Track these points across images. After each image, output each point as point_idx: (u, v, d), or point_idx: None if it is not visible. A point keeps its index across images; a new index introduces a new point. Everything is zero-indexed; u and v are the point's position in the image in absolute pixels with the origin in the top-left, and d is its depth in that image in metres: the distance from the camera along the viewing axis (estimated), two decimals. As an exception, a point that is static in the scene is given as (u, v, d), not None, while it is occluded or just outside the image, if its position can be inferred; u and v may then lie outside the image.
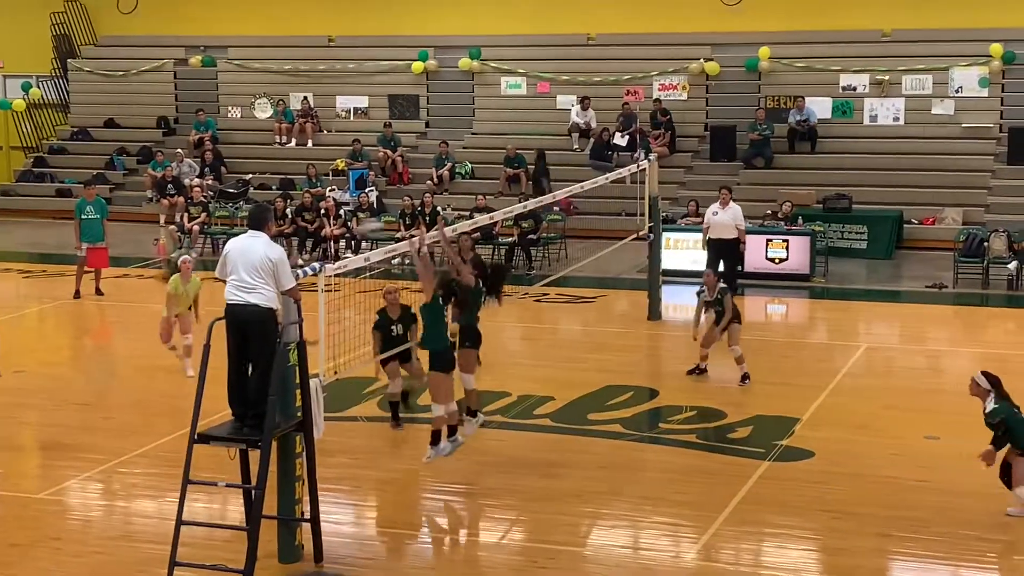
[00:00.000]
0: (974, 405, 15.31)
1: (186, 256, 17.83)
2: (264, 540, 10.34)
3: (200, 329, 14.77)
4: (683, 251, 23.36)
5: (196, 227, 27.54)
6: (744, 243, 22.08)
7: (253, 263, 10.25)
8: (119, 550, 11.25)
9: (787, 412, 14.92)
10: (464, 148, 31.02)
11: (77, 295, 22.18)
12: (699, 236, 22.33)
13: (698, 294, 16.80)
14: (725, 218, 21.63)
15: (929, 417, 14.91)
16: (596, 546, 11.39)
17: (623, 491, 12.64)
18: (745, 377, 16.20)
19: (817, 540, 11.39)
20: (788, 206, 24.83)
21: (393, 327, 14.28)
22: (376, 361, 14.10)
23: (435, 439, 12.63)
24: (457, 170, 29.94)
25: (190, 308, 16.72)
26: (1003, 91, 28.60)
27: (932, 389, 16.37)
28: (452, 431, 12.71)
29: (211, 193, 29.48)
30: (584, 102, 30.08)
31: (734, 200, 22.13)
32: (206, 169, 31.07)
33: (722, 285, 16.73)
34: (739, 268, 22.30)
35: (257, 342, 10.27)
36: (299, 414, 10.47)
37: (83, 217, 22.39)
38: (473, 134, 31.67)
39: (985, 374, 11.92)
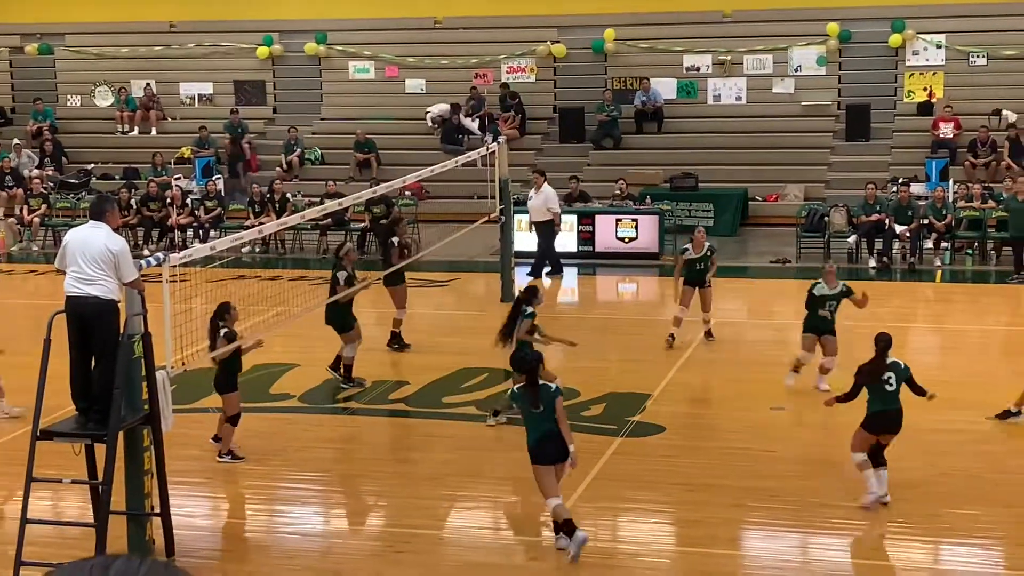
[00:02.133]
0: (816, 377, 15.79)
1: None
2: (115, 536, 10.11)
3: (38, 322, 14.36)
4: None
5: (36, 219, 26.77)
6: (558, 225, 22.29)
7: (93, 255, 9.98)
8: (-38, 553, 10.87)
9: (638, 388, 15.14)
10: (313, 134, 30.69)
11: None
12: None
13: (681, 252, 17.27)
14: (537, 202, 21.88)
15: (775, 389, 15.25)
16: (454, 528, 11.41)
17: (479, 472, 12.67)
18: (708, 333, 17.25)
19: (672, 513, 11.59)
20: (624, 184, 25.18)
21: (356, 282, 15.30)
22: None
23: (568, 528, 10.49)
24: (307, 156, 29.61)
25: None
26: (840, 69, 29.40)
27: (778, 362, 16.72)
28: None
29: (51, 184, 28.66)
30: (455, 107, 29.47)
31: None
32: (46, 160, 30.18)
33: (709, 243, 17.29)
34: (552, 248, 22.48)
35: (99, 335, 10.02)
36: (146, 407, 10.25)
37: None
38: (322, 119, 31.36)
39: (878, 336, 11.66)
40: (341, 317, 15.38)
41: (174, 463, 11.09)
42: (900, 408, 11.39)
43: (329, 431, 14.12)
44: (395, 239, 17.20)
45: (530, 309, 13.80)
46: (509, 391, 10.90)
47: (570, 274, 23.66)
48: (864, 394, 11.53)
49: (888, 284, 22.28)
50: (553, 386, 10.52)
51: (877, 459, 11.37)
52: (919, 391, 11.55)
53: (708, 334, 17.46)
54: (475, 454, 13.27)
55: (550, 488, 10.28)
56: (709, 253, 17.22)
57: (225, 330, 12.58)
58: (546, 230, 22.01)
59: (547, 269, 22.43)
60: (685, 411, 14.38)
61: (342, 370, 15.49)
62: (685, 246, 17.47)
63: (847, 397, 11.66)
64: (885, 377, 11.39)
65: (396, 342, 17.19)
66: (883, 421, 11.35)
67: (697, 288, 17.17)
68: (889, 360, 11.44)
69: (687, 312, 17.14)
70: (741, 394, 15.05)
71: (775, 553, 10.70)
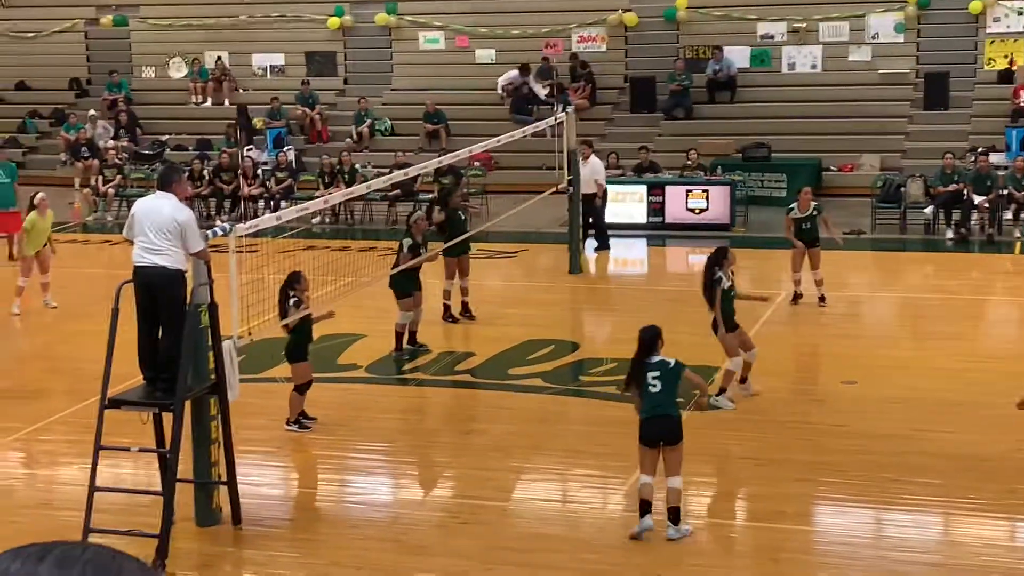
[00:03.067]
0: (893, 350, 15.56)
1: (42, 193, 18.49)
2: (182, 504, 10.21)
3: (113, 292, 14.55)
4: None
5: (111, 190, 27.06)
6: (601, 197, 21.98)
7: (160, 224, 10.04)
8: (36, 518, 11.06)
9: (707, 361, 14.94)
10: (383, 105, 30.70)
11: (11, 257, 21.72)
12: (620, 188, 22.36)
13: (788, 211, 17.41)
14: (585, 172, 21.56)
15: (847, 362, 15.04)
16: (520, 500, 11.38)
17: (545, 445, 12.63)
18: (822, 299, 17.21)
19: (739, 486, 11.47)
20: (694, 154, 24.90)
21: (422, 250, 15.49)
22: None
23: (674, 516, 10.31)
24: (376, 127, 29.65)
25: (46, 245, 17.91)
26: (919, 36, 28.80)
27: (850, 335, 16.52)
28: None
29: (126, 155, 28.95)
30: (524, 69, 29.52)
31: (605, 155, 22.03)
32: (121, 131, 30.49)
33: (815, 202, 17.43)
34: (601, 220, 22.21)
35: (166, 304, 10.10)
36: (212, 377, 10.31)
37: (-7, 182, 21.82)
38: (392, 90, 31.35)
39: None
40: (401, 284, 15.44)
41: (241, 432, 11.17)
42: None
43: (396, 401, 14.14)
44: (437, 214, 17.04)
45: (719, 274, 13.18)
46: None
47: (640, 245, 23.50)
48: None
49: (966, 256, 21.86)
50: (672, 361, 10.23)
51: None
52: None
53: (821, 299, 17.34)
54: (540, 426, 13.22)
55: (643, 465, 10.18)
56: (815, 212, 17.34)
57: (295, 299, 12.62)
58: (589, 202, 21.76)
59: (592, 243, 22.14)
60: (755, 384, 14.19)
61: (405, 339, 15.54)
62: (791, 205, 17.50)
63: None
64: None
65: (466, 311, 17.18)
66: None
67: (807, 248, 17.19)
68: None
69: (797, 275, 17.35)
70: (812, 367, 14.85)
71: (844, 528, 10.55)
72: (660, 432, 10.13)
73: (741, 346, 13.55)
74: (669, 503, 10.17)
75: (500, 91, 29.67)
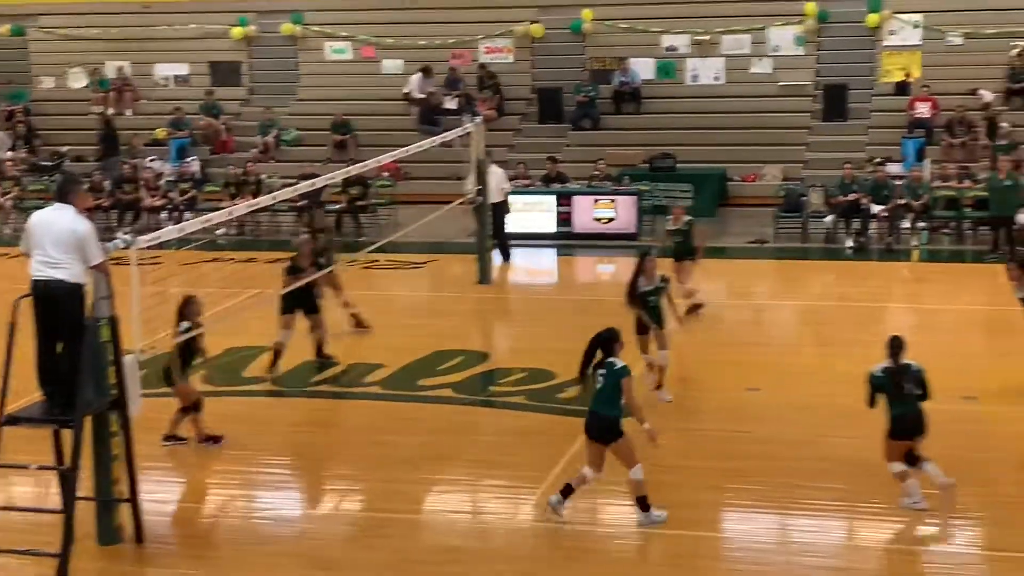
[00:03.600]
0: (795, 357, 15.79)
1: None
2: (83, 522, 10.01)
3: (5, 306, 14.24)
4: (511, 214, 23.38)
5: (9, 202, 26.52)
6: (508, 208, 22.15)
7: (57, 237, 9.83)
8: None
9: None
10: (290, 115, 30.47)
11: None
12: (527, 199, 22.50)
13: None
14: (491, 182, 21.59)
15: (752, 370, 15.22)
16: (430, 512, 11.33)
17: (456, 455, 12.60)
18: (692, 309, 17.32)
19: (649, 495, 11.50)
20: (602, 165, 25.09)
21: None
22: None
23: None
24: (283, 137, 29.41)
25: None
26: (818, 49, 29.32)
27: (755, 342, 16.73)
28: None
29: (24, 167, 28.39)
30: (427, 71, 29.57)
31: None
32: (18, 142, 29.90)
33: (687, 217, 17.80)
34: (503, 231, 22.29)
35: (65, 318, 9.88)
36: (114, 392, 10.12)
37: None
38: (299, 100, 31.14)
39: (892, 339, 10.97)
40: (283, 303, 15.18)
41: (143, 448, 10.97)
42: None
43: (303, 415, 14.01)
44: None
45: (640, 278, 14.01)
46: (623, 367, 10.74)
47: (548, 255, 23.58)
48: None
49: (865, 264, 22.26)
50: (620, 364, 10.67)
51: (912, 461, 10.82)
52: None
53: (691, 309, 17.40)
54: (450, 437, 13.18)
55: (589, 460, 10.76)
56: (686, 227, 17.49)
57: (186, 324, 12.48)
58: (499, 209, 21.80)
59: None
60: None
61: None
62: (668, 217, 18.00)
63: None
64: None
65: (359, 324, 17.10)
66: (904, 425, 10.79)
67: (676, 262, 17.43)
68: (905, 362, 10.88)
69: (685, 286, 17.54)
70: (716, 375, 14.99)
71: (751, 534, 10.66)
72: (590, 427, 10.74)
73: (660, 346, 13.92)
74: (632, 494, 10.69)
75: (408, 98, 29.59)
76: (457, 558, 10.25)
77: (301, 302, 15.29)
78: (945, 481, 10.90)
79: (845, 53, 29.05)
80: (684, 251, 17.65)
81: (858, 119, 27.85)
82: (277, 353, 15.21)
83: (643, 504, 10.74)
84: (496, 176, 21.59)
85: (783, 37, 29.10)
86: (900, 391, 10.86)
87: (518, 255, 22.24)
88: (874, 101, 28.22)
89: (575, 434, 12.79)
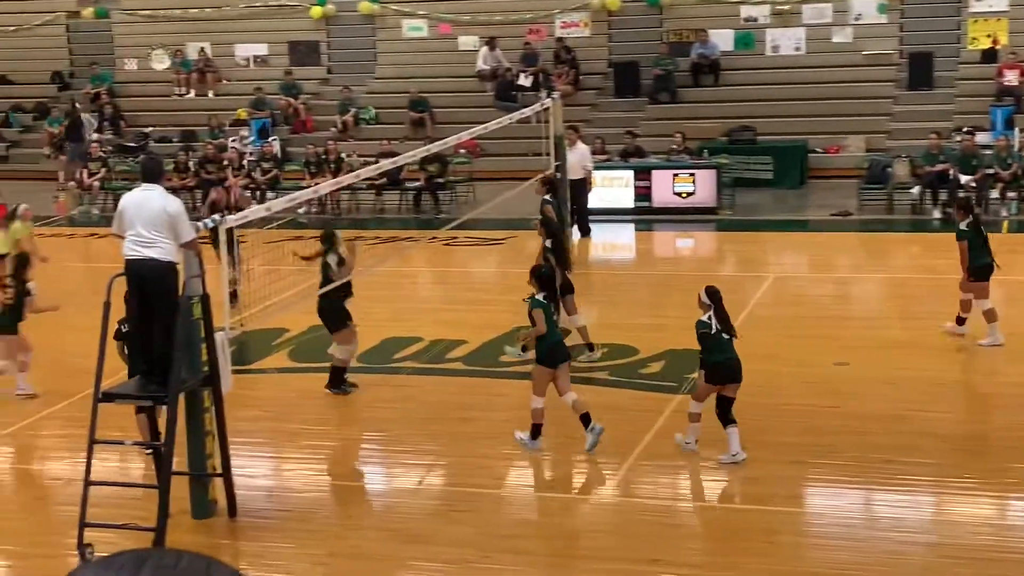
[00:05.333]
0: (881, 331, 15.61)
1: (25, 206, 18.46)
2: (177, 497, 10.19)
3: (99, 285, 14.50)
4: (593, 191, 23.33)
5: (96, 183, 26.95)
6: (591, 184, 22.01)
7: (150, 217, 10.00)
8: (31, 514, 11.04)
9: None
10: (368, 93, 30.63)
11: None
12: (606, 173, 22.39)
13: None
14: (572, 159, 21.52)
15: (838, 344, 15.07)
16: (514, 487, 11.39)
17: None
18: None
19: (732, 470, 11.47)
20: (681, 138, 24.90)
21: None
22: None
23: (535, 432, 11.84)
24: (361, 116, 29.58)
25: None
26: (902, 16, 28.83)
27: (840, 316, 16.56)
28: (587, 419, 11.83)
29: (110, 148, 28.84)
30: (491, 43, 29.78)
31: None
32: (104, 124, 30.37)
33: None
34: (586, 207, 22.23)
35: (158, 297, 10.05)
36: (206, 369, 10.28)
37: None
38: (376, 79, 31.28)
39: (707, 290, 11.69)
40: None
41: (234, 424, 11.14)
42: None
43: (387, 391, 14.12)
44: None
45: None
46: (530, 298, 11.98)
47: (627, 230, 23.49)
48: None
49: (952, 236, 21.83)
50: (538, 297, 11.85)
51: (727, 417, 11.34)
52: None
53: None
54: (534, 412, 13.19)
55: (564, 382, 11.84)
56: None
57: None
58: (580, 188, 21.76)
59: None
60: (745, 367, 14.09)
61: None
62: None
63: None
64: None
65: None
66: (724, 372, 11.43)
67: None
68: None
69: None
70: (803, 349, 14.86)
71: (838, 510, 10.58)
72: (567, 352, 12.15)
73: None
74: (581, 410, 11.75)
75: (478, 74, 29.64)
76: (541, 532, 10.29)
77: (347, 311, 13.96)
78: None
79: (930, 21, 28.55)
80: None
81: (944, 87, 27.37)
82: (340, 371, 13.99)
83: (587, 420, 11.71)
84: (578, 153, 21.54)
85: (866, 5, 28.65)
86: None
87: (596, 231, 22.17)
88: (960, 69, 27.72)
89: (659, 409, 12.84)
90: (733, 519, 10.65)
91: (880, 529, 10.18)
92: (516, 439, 11.90)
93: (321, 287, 13.30)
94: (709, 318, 11.52)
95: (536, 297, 11.87)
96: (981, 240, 14.93)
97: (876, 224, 22.66)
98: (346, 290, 13.55)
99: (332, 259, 13.42)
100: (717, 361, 11.47)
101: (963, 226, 14.93)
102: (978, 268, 14.79)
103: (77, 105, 30.39)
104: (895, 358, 14.39)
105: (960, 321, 14.93)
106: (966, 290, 14.88)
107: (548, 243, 14.73)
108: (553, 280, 12.39)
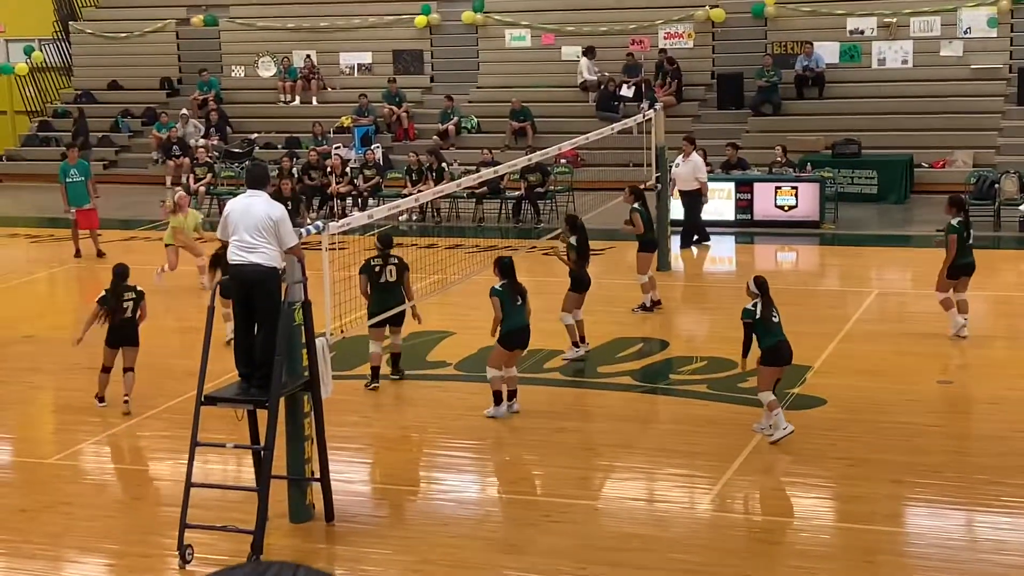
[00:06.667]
0: (986, 349, 15.30)
1: (180, 191, 19.93)
2: (275, 500, 10.32)
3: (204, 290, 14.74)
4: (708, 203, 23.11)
5: (202, 188, 27.42)
6: (705, 195, 21.89)
7: (254, 223, 10.15)
8: (130, 513, 11.25)
9: (799, 360, 14.72)
10: (469, 102, 30.79)
11: (77, 254, 22.37)
12: (709, 185, 22.27)
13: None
14: (686, 170, 21.43)
15: (942, 362, 14.82)
16: (609, 499, 11.35)
17: (635, 443, 12.58)
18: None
19: (831, 488, 11.34)
20: (783, 151, 24.62)
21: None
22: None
23: (497, 400, 13.23)
24: (463, 124, 29.75)
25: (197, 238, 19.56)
26: (1012, 31, 28.23)
27: (944, 334, 16.24)
28: (512, 395, 13.29)
29: (216, 154, 29.35)
30: (589, 52, 29.79)
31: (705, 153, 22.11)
32: (211, 129, 30.92)
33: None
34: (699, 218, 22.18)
35: (262, 302, 10.20)
36: (306, 373, 10.41)
37: (68, 181, 22.44)
38: (478, 88, 31.43)
39: (756, 279, 12.37)
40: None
41: (333, 429, 11.26)
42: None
43: (485, 400, 14.16)
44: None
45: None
46: (492, 289, 13.09)
47: (727, 242, 23.29)
48: None
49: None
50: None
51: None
52: None
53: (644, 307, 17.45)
54: (630, 425, 13.17)
55: (510, 363, 13.09)
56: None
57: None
58: (693, 199, 21.67)
59: (695, 238, 22.12)
60: (847, 383, 14.02)
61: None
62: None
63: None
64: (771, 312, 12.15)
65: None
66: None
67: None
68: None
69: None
70: (906, 366, 14.62)
71: (939, 530, 10.39)
72: (524, 340, 13.05)
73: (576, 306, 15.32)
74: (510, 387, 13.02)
75: (579, 86, 29.68)
76: (636, 545, 10.24)
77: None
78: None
79: (1042, 34, 27.95)
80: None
81: (1055, 103, 26.76)
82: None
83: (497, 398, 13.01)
84: (691, 164, 21.50)
85: (975, 19, 28.12)
86: None
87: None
88: (1072, 84, 27.07)
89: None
90: (831, 537, 10.50)
91: (982, 551, 9.97)
92: (486, 415, 13.03)
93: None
94: (755, 306, 12.16)
95: (495, 286, 13.08)
96: (966, 238, 15.54)
97: (982, 240, 22.14)
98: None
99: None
100: (771, 345, 12.05)
101: (954, 222, 15.57)
102: (959, 266, 15.46)
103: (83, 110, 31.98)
104: (1000, 377, 14.10)
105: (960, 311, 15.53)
106: (944, 288, 15.51)
107: (573, 240, 15.54)
108: (512, 268, 13.23)
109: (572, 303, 15.40)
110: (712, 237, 22.48)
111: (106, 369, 13.78)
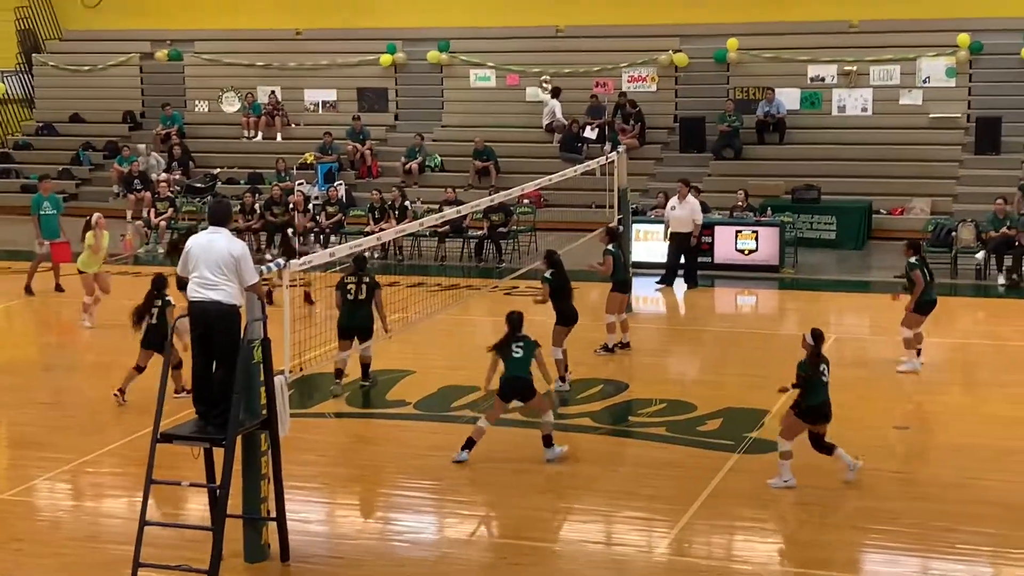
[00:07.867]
0: (944, 396, 15.41)
1: (98, 213, 20.11)
2: (231, 539, 10.21)
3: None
4: (653, 243, 23.34)
5: (163, 222, 27.31)
6: (696, 237, 22.11)
7: (215, 260, 10.10)
8: (83, 551, 11.10)
9: (757, 404, 14.86)
10: (434, 141, 30.88)
11: (28, 291, 21.93)
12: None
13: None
14: (682, 213, 21.72)
15: (900, 407, 14.89)
16: (568, 541, 11.31)
17: (594, 485, 12.56)
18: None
19: (788, 533, 11.35)
20: (744, 195, 24.84)
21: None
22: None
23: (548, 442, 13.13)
24: (427, 163, 29.81)
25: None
26: (970, 81, 28.69)
27: (901, 379, 16.35)
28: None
29: (178, 188, 29.25)
30: (555, 93, 29.96)
31: (698, 191, 22.19)
32: (173, 164, 30.82)
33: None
34: (695, 261, 22.44)
35: (221, 339, 10.13)
36: (264, 411, 10.33)
37: (41, 213, 22.14)
38: (442, 127, 31.54)
39: (813, 332, 12.29)
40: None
41: (290, 468, 11.17)
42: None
43: (444, 439, 14.10)
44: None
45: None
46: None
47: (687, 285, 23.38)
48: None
49: (1018, 302, 21.63)
50: (532, 339, 13.00)
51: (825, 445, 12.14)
52: None
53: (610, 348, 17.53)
54: (589, 467, 13.13)
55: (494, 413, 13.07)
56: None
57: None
58: (684, 241, 21.93)
59: (679, 280, 22.36)
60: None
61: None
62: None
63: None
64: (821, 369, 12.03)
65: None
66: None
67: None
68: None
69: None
70: (864, 412, 14.69)
71: (896, 578, 10.40)
72: (517, 390, 12.83)
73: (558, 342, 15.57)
74: (543, 432, 12.95)
75: (544, 128, 29.85)
76: (595, 589, 10.19)
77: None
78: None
79: (998, 85, 28.39)
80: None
81: (1012, 153, 27.17)
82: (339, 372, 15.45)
83: (549, 441, 12.96)
84: (687, 207, 21.76)
85: (934, 68, 28.54)
86: None
87: (652, 285, 22.17)
88: (1028, 134, 27.47)
89: (716, 467, 12.73)
90: (788, 583, 10.49)
91: (939, 599, 10.00)
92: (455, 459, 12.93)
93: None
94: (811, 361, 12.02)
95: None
96: (928, 276, 16.36)
97: (940, 288, 22.31)
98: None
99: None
100: (813, 404, 11.98)
101: (913, 260, 16.46)
102: (925, 303, 16.32)
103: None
104: (957, 424, 14.19)
105: (917, 353, 16.32)
106: (913, 324, 16.29)
107: (548, 273, 15.86)
108: (520, 323, 13.17)
109: (560, 337, 15.54)
110: (675, 279, 22.59)
111: (139, 368, 14.97)
